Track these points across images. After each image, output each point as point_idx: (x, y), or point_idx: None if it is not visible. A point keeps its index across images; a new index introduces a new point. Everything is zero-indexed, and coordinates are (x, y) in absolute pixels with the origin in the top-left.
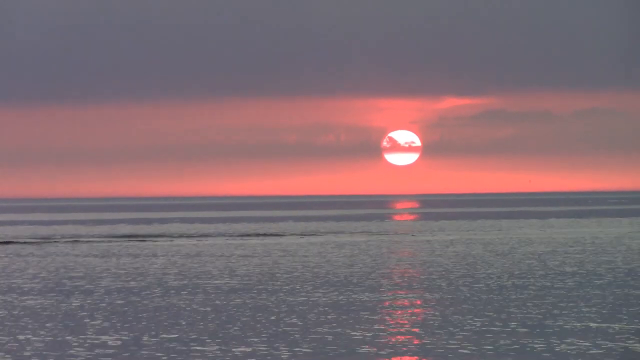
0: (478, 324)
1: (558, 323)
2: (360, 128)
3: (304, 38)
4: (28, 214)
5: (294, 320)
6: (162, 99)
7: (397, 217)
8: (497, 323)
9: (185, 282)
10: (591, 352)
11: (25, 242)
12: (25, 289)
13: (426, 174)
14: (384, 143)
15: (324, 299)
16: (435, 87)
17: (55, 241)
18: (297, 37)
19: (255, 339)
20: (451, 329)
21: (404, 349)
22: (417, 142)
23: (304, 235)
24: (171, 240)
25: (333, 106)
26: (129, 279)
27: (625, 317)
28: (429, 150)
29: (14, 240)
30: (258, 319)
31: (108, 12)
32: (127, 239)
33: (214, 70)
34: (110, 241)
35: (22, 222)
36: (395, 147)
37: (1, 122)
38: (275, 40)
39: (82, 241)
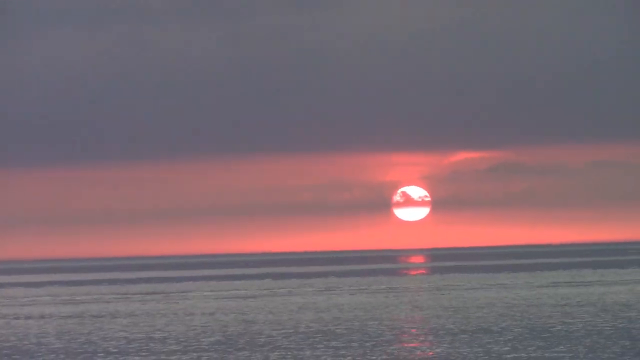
0: None
1: None
2: (374, 183)
3: (317, 96)
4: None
5: None
6: (177, 158)
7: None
8: None
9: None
10: None
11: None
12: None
13: (439, 228)
14: (398, 198)
15: None
16: (449, 141)
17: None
18: (311, 95)
19: None
20: None
21: None
22: (429, 197)
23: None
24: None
25: (347, 162)
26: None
27: None
28: (442, 204)
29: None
30: None
31: (121, 73)
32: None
33: (229, 128)
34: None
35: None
36: (408, 202)
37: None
38: (289, 99)
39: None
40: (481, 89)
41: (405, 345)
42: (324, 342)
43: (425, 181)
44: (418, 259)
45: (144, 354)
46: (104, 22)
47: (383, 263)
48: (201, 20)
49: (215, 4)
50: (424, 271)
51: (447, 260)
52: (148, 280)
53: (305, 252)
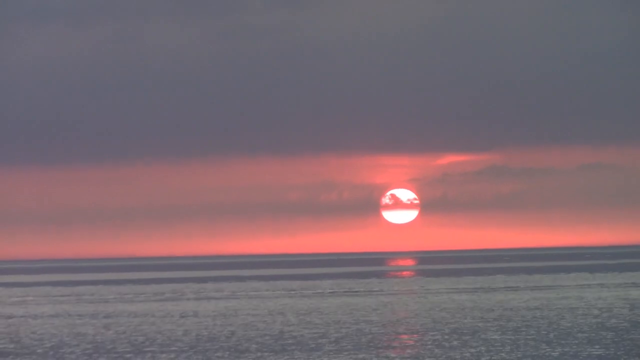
0: None
1: None
2: (363, 185)
3: (305, 97)
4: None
5: None
6: (166, 158)
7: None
8: None
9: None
10: None
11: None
12: None
13: (427, 230)
14: (387, 200)
15: None
16: (437, 143)
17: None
18: (299, 96)
19: None
20: None
21: None
22: (418, 199)
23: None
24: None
25: (336, 164)
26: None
27: None
28: (430, 206)
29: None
30: None
31: (114, 73)
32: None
33: (218, 129)
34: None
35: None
36: (397, 204)
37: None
38: (277, 100)
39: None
40: (470, 90)
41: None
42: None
43: (414, 183)
44: (404, 262)
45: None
46: (92, 19)
47: (368, 265)
48: (189, 18)
49: (203, 2)
50: (407, 274)
51: (432, 264)
52: (128, 282)
53: (292, 254)
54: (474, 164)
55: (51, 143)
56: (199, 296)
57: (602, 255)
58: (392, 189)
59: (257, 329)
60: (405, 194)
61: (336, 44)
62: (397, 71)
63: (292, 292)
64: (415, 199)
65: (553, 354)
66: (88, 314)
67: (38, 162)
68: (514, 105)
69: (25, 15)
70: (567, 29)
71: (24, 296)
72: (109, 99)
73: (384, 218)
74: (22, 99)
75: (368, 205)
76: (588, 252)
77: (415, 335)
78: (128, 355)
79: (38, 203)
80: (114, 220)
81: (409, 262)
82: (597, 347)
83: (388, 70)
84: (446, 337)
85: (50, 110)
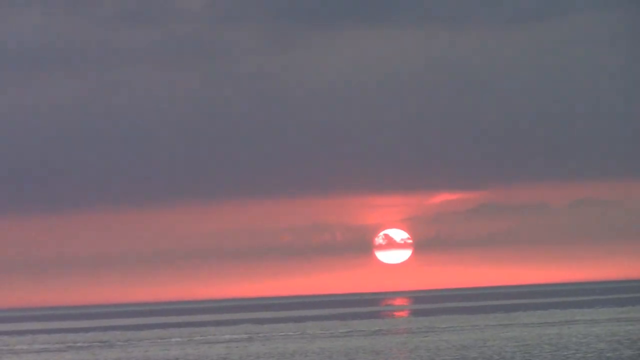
0: None
1: None
2: (356, 226)
3: (295, 140)
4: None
5: None
6: (159, 204)
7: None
8: None
9: None
10: None
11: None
12: None
13: (422, 270)
14: (380, 240)
15: None
16: (429, 182)
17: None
18: (289, 139)
19: None
20: None
21: None
22: (411, 238)
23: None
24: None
25: (328, 205)
26: None
27: None
28: (424, 245)
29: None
30: None
31: (103, 118)
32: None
33: (210, 174)
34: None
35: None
36: (390, 244)
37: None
38: (267, 143)
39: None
40: (460, 130)
41: None
42: None
43: (407, 223)
44: (399, 302)
45: None
46: (81, 67)
47: (362, 306)
48: (177, 64)
49: (193, 47)
50: (403, 314)
51: (427, 303)
52: (112, 328)
53: (285, 297)
54: (467, 202)
55: (37, 191)
56: (190, 340)
57: (595, 290)
58: (385, 229)
59: None
60: (399, 234)
61: (324, 87)
62: (387, 112)
63: (305, 334)
64: (408, 238)
65: None
66: None
67: (17, 211)
68: (505, 144)
69: (15, 61)
70: (555, 68)
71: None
72: (96, 147)
73: (377, 258)
74: (8, 145)
75: (361, 245)
76: (582, 287)
77: None
78: None
79: (23, 251)
80: (108, 266)
81: (404, 302)
82: None
83: (378, 111)
84: None
85: (37, 157)
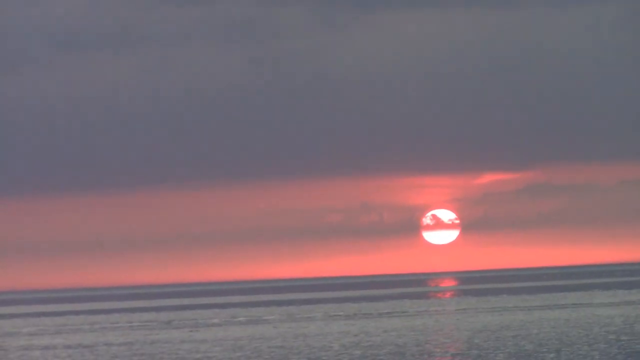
0: None
1: None
2: (403, 207)
3: (344, 120)
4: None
5: None
6: (205, 183)
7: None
8: None
9: None
10: None
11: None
12: None
13: (469, 250)
14: (428, 221)
15: None
16: (477, 163)
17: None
18: (338, 119)
19: None
20: None
21: None
22: (459, 219)
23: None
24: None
25: (375, 186)
26: None
27: None
28: (471, 226)
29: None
30: None
31: (133, 99)
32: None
33: (258, 153)
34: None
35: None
36: (438, 225)
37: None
38: (315, 123)
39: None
40: (507, 109)
41: None
42: None
43: (454, 204)
44: (447, 283)
45: None
46: (132, 46)
47: (408, 287)
48: (219, 44)
49: (238, 26)
50: (450, 294)
51: (475, 283)
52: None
53: (335, 277)
54: (514, 182)
55: (50, 173)
56: (252, 320)
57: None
58: (432, 209)
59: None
60: (446, 214)
61: (373, 66)
62: (436, 92)
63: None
64: (456, 219)
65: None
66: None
67: (29, 192)
68: (552, 122)
69: (33, 46)
70: (607, 45)
71: (35, 326)
72: (132, 127)
73: (424, 239)
74: (22, 127)
75: (409, 226)
76: (631, 268)
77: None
78: None
79: (35, 233)
80: (146, 247)
81: (450, 283)
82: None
83: (426, 91)
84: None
85: (51, 140)
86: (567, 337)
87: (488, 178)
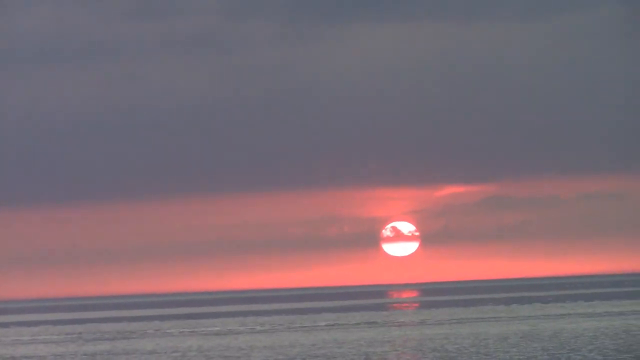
0: None
1: None
2: (363, 219)
3: (303, 133)
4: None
5: None
6: (168, 197)
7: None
8: None
9: None
10: None
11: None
12: None
13: (429, 262)
14: (387, 233)
15: None
16: (436, 175)
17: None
18: (296, 132)
19: None
20: None
21: None
22: (418, 231)
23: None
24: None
25: (335, 198)
26: None
27: None
28: (431, 238)
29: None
30: None
31: (117, 112)
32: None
33: (220, 166)
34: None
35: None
36: (398, 237)
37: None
38: (275, 136)
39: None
40: (467, 122)
41: None
42: None
43: (414, 216)
44: (405, 294)
45: None
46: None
47: (366, 299)
48: (184, 57)
49: (205, 40)
50: (406, 306)
51: (433, 295)
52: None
53: (293, 289)
54: (474, 195)
55: (42, 184)
56: (199, 332)
57: (601, 283)
58: (392, 221)
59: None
60: (406, 227)
61: (333, 79)
62: (394, 105)
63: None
64: (415, 231)
65: None
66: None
67: (22, 204)
68: (512, 135)
69: (19, 57)
70: (562, 61)
71: (30, 335)
72: (105, 140)
73: (384, 251)
74: (14, 140)
75: (369, 238)
76: (588, 280)
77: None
78: None
79: (28, 244)
80: (118, 259)
81: (411, 294)
82: None
83: (385, 104)
84: None
85: (42, 151)
86: (525, 350)
87: (448, 190)
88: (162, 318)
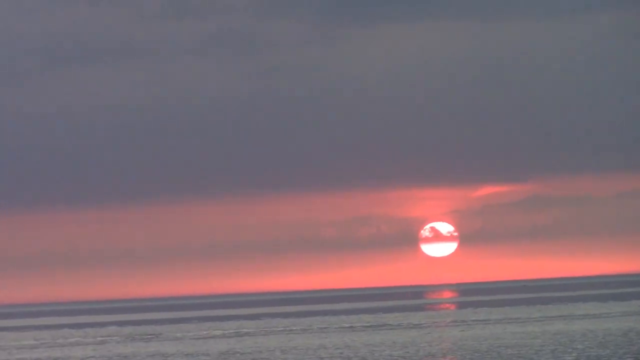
0: None
1: None
2: (402, 219)
3: (343, 133)
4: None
5: None
6: (203, 197)
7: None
8: None
9: None
10: None
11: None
12: None
13: (467, 262)
14: (426, 233)
15: None
16: (475, 175)
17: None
18: (336, 132)
19: None
20: None
21: None
22: (457, 231)
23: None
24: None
25: (374, 199)
26: None
27: None
28: (470, 238)
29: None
30: None
31: (130, 114)
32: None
33: (254, 167)
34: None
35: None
36: (436, 237)
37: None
38: (312, 137)
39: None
40: (505, 121)
41: None
42: None
43: (452, 216)
44: (445, 295)
45: None
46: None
47: (406, 299)
48: (210, 56)
49: (238, 40)
50: (448, 307)
51: (472, 295)
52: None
53: (333, 290)
54: (512, 194)
55: (52, 187)
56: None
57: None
58: (430, 221)
59: None
60: (444, 227)
61: (371, 79)
62: (433, 104)
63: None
64: (454, 231)
65: None
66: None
67: (32, 207)
68: (551, 134)
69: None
70: (597, 59)
71: (37, 339)
72: (134, 139)
73: (423, 251)
74: (21, 140)
75: (407, 239)
76: (628, 279)
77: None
78: None
79: (32, 247)
80: (155, 259)
81: (448, 295)
82: None
83: (419, 103)
84: None
85: (53, 152)
86: (562, 349)
87: (486, 190)
88: (202, 319)
